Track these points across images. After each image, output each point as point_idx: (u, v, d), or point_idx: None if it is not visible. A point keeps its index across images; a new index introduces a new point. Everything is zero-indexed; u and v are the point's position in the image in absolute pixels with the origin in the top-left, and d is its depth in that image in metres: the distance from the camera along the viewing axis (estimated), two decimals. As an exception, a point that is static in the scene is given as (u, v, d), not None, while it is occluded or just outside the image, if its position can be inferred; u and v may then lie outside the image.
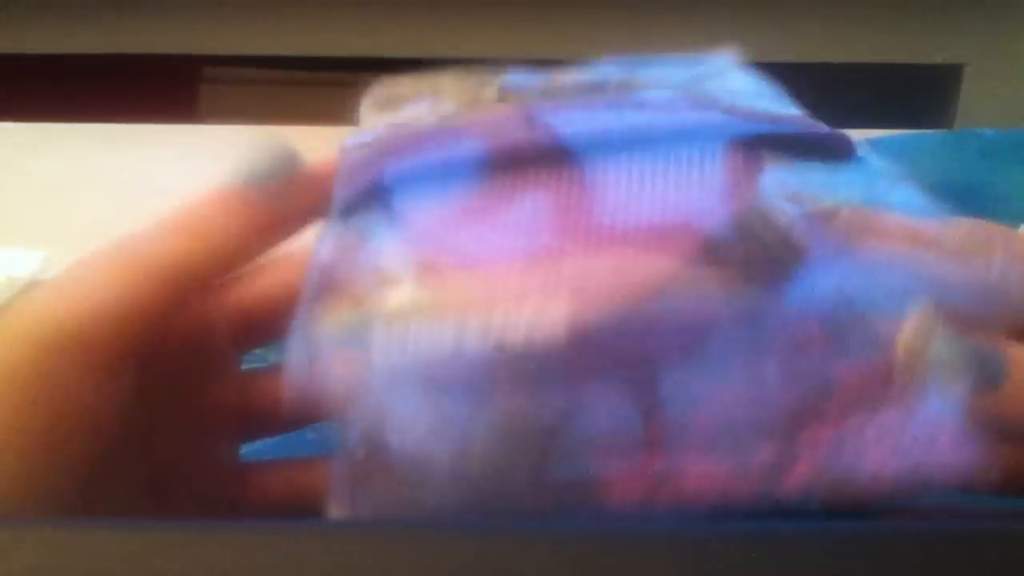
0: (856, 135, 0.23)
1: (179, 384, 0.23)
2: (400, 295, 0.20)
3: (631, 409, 0.19)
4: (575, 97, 0.23)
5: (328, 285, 0.21)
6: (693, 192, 0.21)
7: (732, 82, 0.24)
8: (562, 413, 0.19)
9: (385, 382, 0.19)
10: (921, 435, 0.19)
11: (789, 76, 0.25)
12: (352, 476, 0.20)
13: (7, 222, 0.40)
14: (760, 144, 0.21)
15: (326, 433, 0.30)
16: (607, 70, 0.24)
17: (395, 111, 0.24)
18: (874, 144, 0.33)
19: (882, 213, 0.21)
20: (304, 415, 0.23)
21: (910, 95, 1.03)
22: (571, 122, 0.22)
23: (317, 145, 0.23)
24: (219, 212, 0.22)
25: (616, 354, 0.19)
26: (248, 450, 0.26)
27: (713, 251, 0.20)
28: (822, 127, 0.23)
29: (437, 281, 0.20)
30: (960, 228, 0.21)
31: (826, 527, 0.17)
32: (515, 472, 0.19)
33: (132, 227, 0.24)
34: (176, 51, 0.91)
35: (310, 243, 0.22)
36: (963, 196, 0.32)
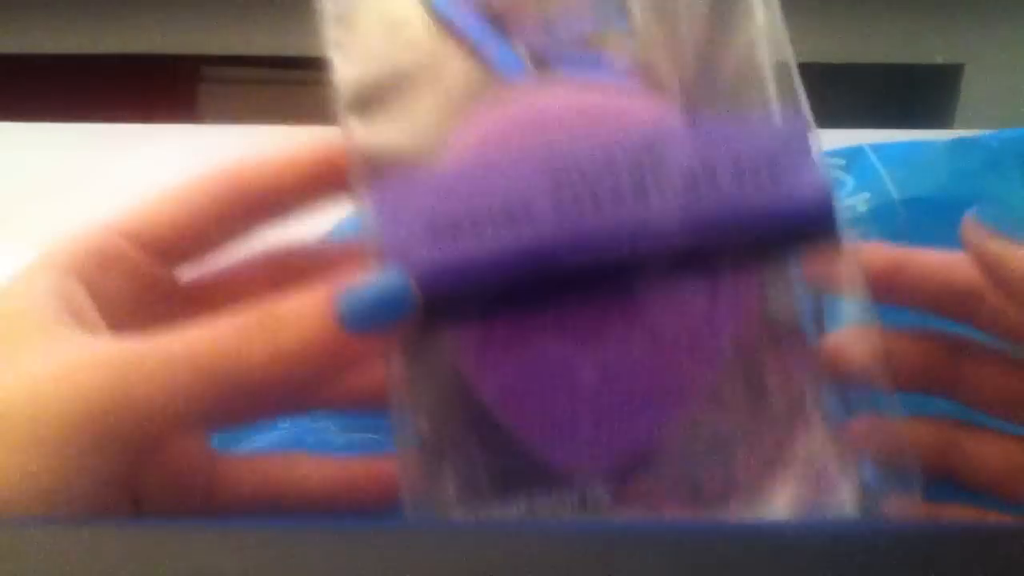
0: (856, 135, 0.23)
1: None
2: None
3: None
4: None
5: None
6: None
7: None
8: None
9: None
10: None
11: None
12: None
13: (5, 221, 0.40)
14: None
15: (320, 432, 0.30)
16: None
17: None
18: (876, 151, 0.32)
19: None
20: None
21: (910, 95, 1.03)
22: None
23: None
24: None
25: None
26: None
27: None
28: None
29: None
30: None
31: (825, 526, 0.17)
32: None
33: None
34: (176, 51, 0.91)
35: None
36: (968, 207, 0.32)
